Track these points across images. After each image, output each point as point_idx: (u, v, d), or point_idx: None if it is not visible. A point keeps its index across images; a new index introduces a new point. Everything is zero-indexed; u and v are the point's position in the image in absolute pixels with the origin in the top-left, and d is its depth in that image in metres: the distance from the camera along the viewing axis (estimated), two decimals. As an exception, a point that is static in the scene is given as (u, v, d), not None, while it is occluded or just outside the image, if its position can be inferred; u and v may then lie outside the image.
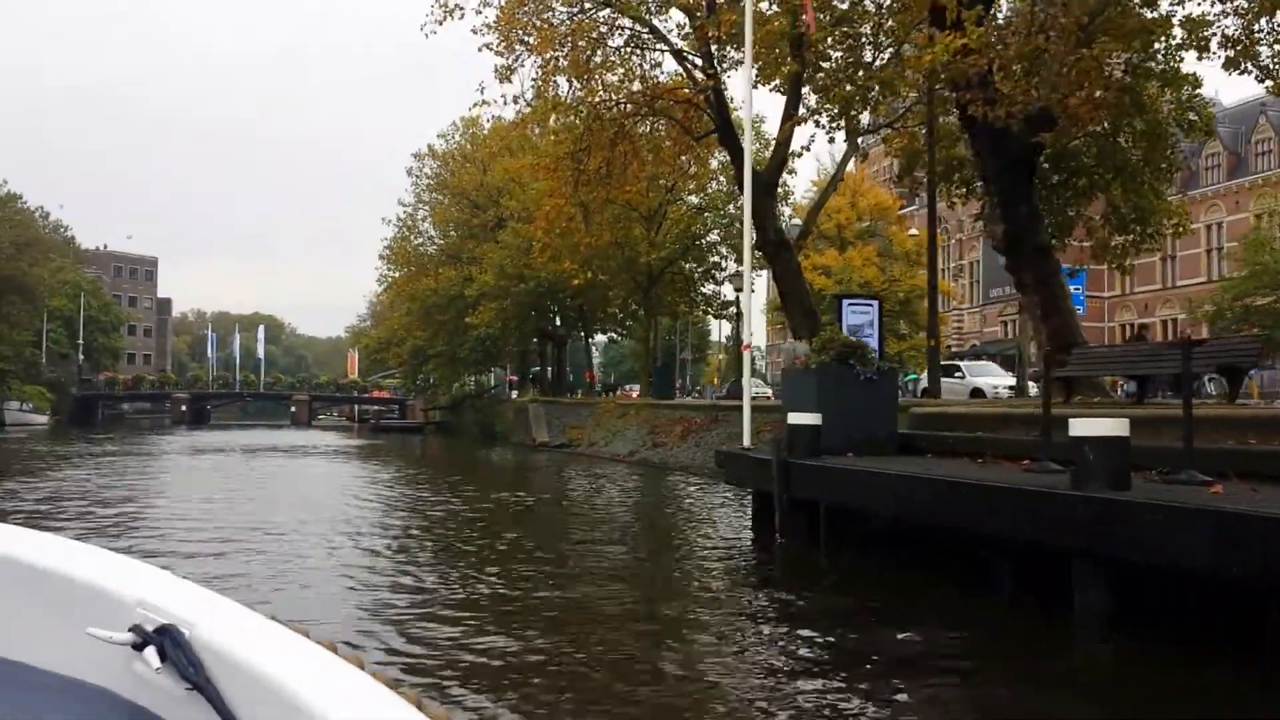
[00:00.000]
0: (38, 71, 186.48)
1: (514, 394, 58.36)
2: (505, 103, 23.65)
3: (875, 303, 25.72)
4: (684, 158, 27.45)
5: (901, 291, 47.31)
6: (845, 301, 24.79)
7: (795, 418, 10.07)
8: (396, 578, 9.03)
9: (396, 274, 55.09)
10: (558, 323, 51.22)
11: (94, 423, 71.00)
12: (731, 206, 39.39)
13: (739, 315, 36.20)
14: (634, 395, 44.11)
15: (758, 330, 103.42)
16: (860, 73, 21.14)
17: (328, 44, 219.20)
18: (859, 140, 28.46)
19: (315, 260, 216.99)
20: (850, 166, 68.75)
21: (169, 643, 1.35)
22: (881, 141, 28.35)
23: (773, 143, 26.37)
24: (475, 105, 23.09)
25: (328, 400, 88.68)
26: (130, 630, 1.41)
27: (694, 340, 67.41)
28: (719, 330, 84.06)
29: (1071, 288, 27.60)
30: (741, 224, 39.58)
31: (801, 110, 23.54)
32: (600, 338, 60.93)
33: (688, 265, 40.79)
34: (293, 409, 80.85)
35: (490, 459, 32.40)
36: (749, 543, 11.30)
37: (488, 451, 36.23)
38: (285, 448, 36.63)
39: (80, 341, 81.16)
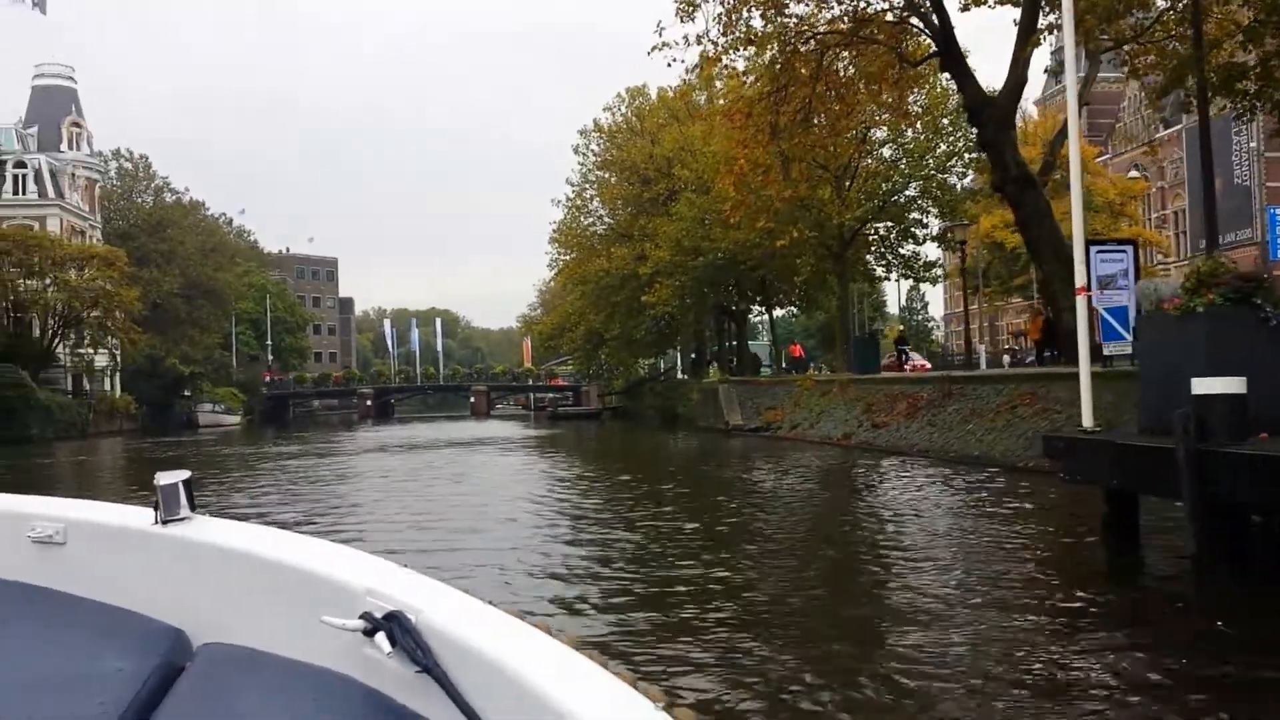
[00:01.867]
0: (207, 83, 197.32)
1: (687, 375, 55.97)
2: (687, 44, 20.69)
3: (1129, 248, 21.56)
4: (885, 96, 23.83)
5: (1104, 247, 41.82)
6: (1093, 248, 20.86)
7: (1206, 385, 6.74)
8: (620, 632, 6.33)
9: (567, 257, 53.40)
10: (736, 297, 48.26)
11: (285, 421, 72.82)
12: (930, 159, 35.36)
13: (964, 270, 32.23)
14: (827, 372, 40.70)
15: (935, 300, 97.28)
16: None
17: (476, 38, 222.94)
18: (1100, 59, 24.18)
19: (485, 253, 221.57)
20: (1035, 114, 62.77)
21: (398, 628, 1.39)
22: (1126, 62, 23.93)
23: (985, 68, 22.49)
24: (653, 49, 20.17)
25: (504, 389, 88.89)
26: (361, 617, 1.44)
27: (868, 312, 63.05)
28: (896, 299, 79.23)
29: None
30: (943, 176, 35.85)
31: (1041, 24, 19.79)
32: (778, 312, 57.57)
33: (882, 225, 36.98)
34: (471, 399, 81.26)
35: (683, 447, 29.73)
36: (1105, 569, 8.03)
37: (675, 438, 33.68)
38: (469, 441, 35.20)
39: (269, 342, 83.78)
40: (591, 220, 52.85)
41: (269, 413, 74.01)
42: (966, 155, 34.36)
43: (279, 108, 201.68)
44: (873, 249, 37.75)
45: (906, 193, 35.82)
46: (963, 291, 32.73)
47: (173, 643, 1.74)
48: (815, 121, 21.89)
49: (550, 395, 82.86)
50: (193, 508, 1.94)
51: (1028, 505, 11.71)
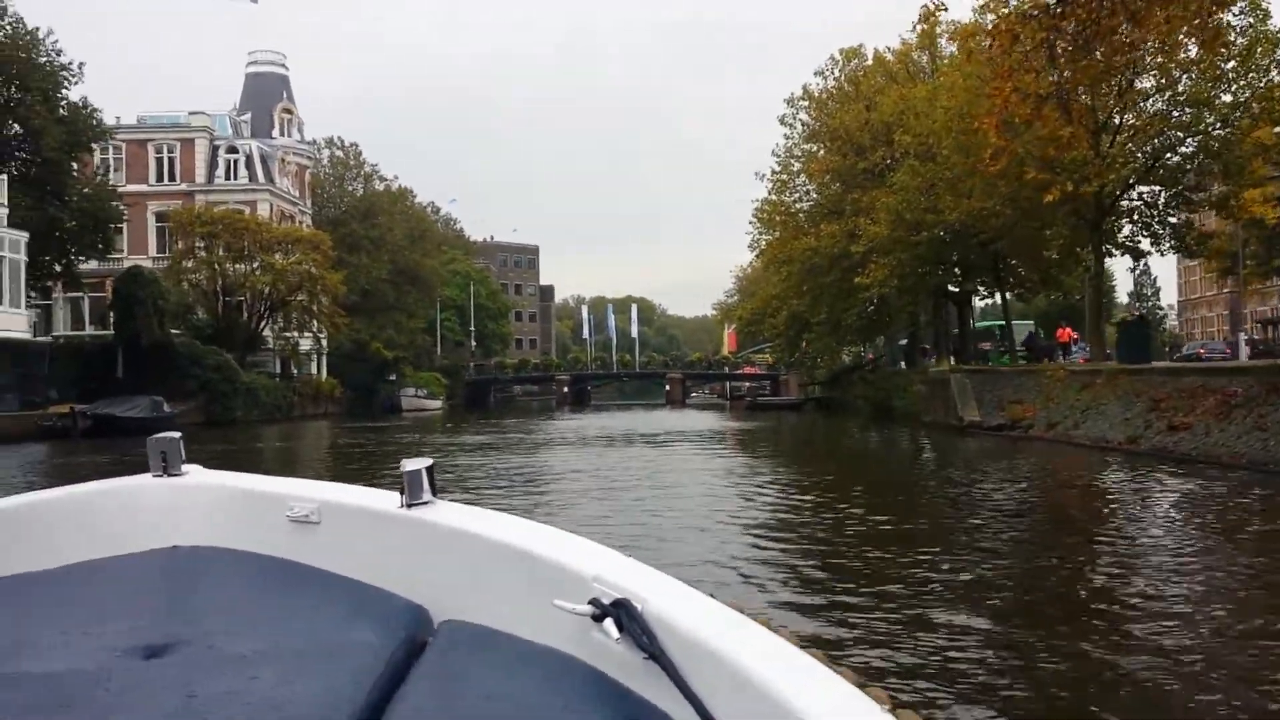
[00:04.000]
0: (418, 82, 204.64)
1: (902, 364, 51.57)
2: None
3: None
4: (1178, 22, 19.04)
5: None
6: None
7: None
8: None
9: (769, 237, 49.82)
10: (960, 277, 43.42)
11: (486, 406, 72.93)
12: (1207, 112, 29.57)
13: None
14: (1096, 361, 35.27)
15: (1167, 285, 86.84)
16: None
17: (665, 27, 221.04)
18: None
19: (682, 241, 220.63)
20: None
21: (624, 615, 1.42)
22: None
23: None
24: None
25: (699, 378, 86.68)
26: (590, 603, 1.48)
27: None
28: (1124, 283, 71.03)
29: None
30: (1227, 129, 30.01)
31: None
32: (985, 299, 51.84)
33: (1148, 189, 31.43)
34: (666, 387, 79.39)
35: (915, 449, 25.60)
36: None
37: (900, 436, 29.62)
38: (667, 433, 32.46)
39: (472, 328, 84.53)
40: (796, 196, 49.06)
41: (470, 398, 74.43)
42: (1255, 106, 28.57)
43: (482, 104, 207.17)
44: (1134, 217, 32.22)
45: (1181, 149, 30.21)
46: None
47: (416, 619, 1.82)
48: (1098, 50, 17.60)
49: (747, 384, 79.75)
50: (434, 492, 2.03)
51: None
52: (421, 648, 1.70)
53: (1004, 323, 41.40)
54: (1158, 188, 31.18)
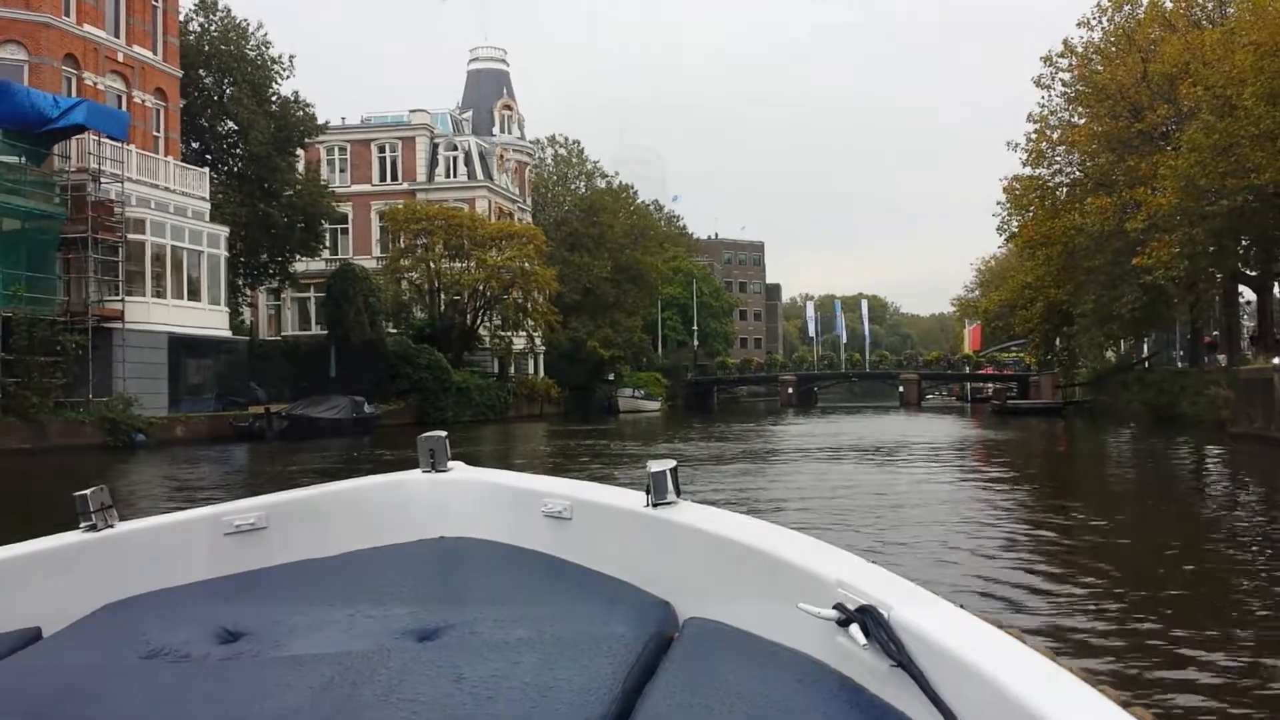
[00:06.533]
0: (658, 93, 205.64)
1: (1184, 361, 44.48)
2: None
3: None
4: None
5: None
6: None
7: None
8: None
9: (1021, 218, 43.94)
10: (1261, 256, 36.36)
11: (708, 409, 70.24)
12: None
13: None
14: None
15: None
16: None
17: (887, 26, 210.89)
18: None
19: (912, 239, 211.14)
20: None
21: (870, 621, 1.39)
22: None
23: None
24: None
25: (936, 379, 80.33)
26: (834, 608, 1.47)
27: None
28: None
29: None
30: None
31: None
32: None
33: None
34: (900, 389, 73.75)
35: (1251, 477, 19.64)
36: None
37: (1207, 453, 23.88)
38: (909, 446, 27.79)
39: (694, 327, 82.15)
40: (1054, 169, 42.96)
41: (692, 399, 71.95)
42: None
43: (715, 99, 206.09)
44: None
45: None
46: None
47: (663, 615, 1.87)
48: None
49: (992, 386, 72.79)
50: (678, 493, 2.05)
51: None
52: (668, 643, 1.73)
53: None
54: None
